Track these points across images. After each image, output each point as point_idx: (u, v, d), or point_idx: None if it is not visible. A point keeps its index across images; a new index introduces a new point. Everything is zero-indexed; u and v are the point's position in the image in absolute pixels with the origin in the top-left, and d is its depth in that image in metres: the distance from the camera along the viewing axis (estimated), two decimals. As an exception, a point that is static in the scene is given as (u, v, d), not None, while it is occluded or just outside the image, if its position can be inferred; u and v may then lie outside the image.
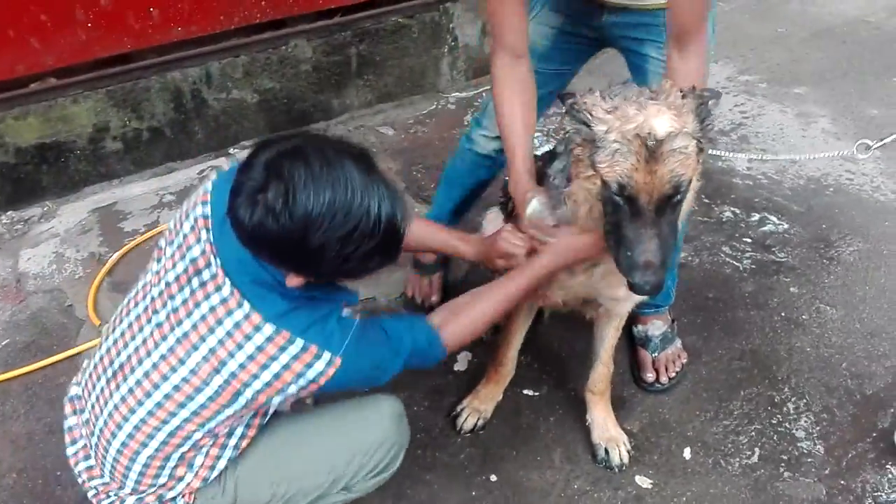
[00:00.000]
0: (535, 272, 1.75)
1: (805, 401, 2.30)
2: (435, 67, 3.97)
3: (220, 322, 1.45)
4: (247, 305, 1.44)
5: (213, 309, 1.46)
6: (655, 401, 2.32)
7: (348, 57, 3.67)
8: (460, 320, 1.72)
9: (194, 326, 1.47)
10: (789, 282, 2.74)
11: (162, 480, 1.59)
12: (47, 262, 2.85)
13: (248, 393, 1.47)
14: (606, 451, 2.14)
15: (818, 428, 2.22)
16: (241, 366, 1.45)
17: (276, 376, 1.45)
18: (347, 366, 1.49)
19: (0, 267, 2.83)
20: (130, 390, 1.52)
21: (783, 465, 2.13)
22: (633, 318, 2.41)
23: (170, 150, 3.42)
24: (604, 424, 2.17)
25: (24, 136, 3.07)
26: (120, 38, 3.09)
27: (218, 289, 1.46)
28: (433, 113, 3.85)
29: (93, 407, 1.61)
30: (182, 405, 1.49)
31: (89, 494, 1.69)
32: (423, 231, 1.95)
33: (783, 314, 2.61)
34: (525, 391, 2.33)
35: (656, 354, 2.39)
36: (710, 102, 1.56)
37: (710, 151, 2.80)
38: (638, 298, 1.92)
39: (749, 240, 2.94)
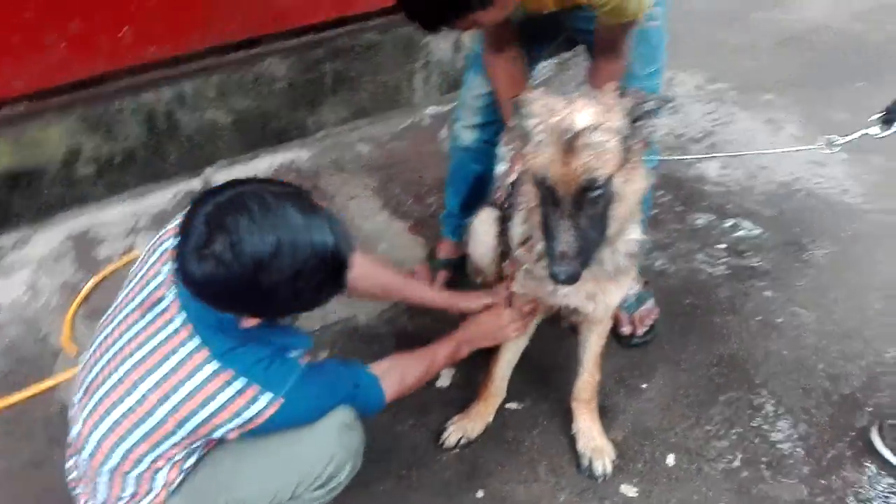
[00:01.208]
0: (454, 347, 2.01)
1: (783, 403, 2.34)
2: (409, 83, 3.99)
3: (173, 352, 1.50)
4: (197, 339, 1.49)
5: (167, 339, 1.51)
6: (638, 408, 2.34)
7: (322, 74, 3.68)
8: (393, 376, 1.84)
9: (149, 353, 1.51)
10: (764, 286, 2.79)
11: (126, 495, 1.61)
12: (21, 291, 2.81)
13: (189, 426, 1.51)
14: (590, 461, 2.15)
15: (797, 429, 2.26)
16: (183, 400, 1.49)
17: (215, 413, 1.49)
18: (288, 407, 1.54)
19: (-27, 297, 2.78)
20: (94, 408, 1.56)
21: (765, 467, 2.16)
22: None
23: (144, 172, 3.40)
24: (589, 433, 2.19)
25: (-5, 162, 3.03)
26: (91, 61, 3.08)
27: (172, 321, 1.52)
28: (409, 128, 3.86)
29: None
30: (132, 429, 1.51)
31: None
32: (386, 279, 2.14)
33: (759, 318, 2.65)
34: (509, 404, 2.34)
35: (631, 312, 2.54)
36: (649, 103, 1.59)
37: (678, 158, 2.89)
38: (613, 303, 1.97)
39: (723, 246, 2.98)
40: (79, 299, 2.75)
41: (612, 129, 1.53)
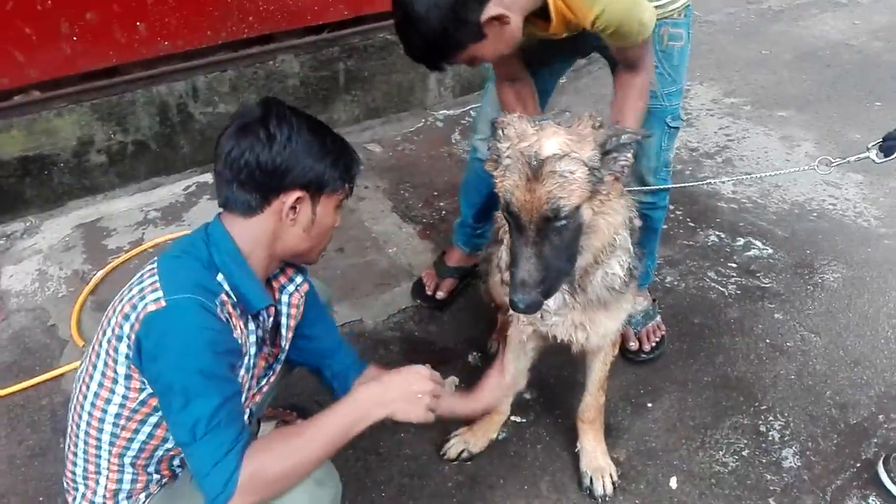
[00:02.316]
0: (356, 413, 1.51)
1: (790, 430, 2.32)
2: (423, 84, 3.97)
3: (129, 287, 1.52)
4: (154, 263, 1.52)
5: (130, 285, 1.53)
6: (642, 428, 2.33)
7: (336, 72, 3.67)
8: (272, 452, 1.43)
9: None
10: (774, 308, 2.77)
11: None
12: (30, 279, 2.81)
13: (107, 326, 1.49)
14: (591, 480, 2.13)
15: (803, 457, 2.24)
16: (120, 300, 1.51)
17: (124, 302, 1.47)
18: (165, 317, 1.40)
19: (-19, 284, 2.78)
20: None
21: (769, 494, 2.14)
22: None
23: (155, 164, 3.39)
24: (593, 453, 2.17)
25: (7, 149, 3.03)
26: (106, 52, 3.07)
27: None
28: (420, 130, 3.85)
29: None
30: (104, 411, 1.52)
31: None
32: None
33: (768, 341, 2.63)
34: (513, 417, 2.32)
35: (638, 329, 2.54)
36: (624, 136, 1.58)
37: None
38: (608, 332, 1.95)
39: (734, 265, 2.96)
40: (87, 290, 2.75)
41: (580, 159, 1.51)
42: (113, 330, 1.48)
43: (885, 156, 1.82)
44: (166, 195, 3.30)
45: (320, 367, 1.90)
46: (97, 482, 1.59)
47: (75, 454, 1.60)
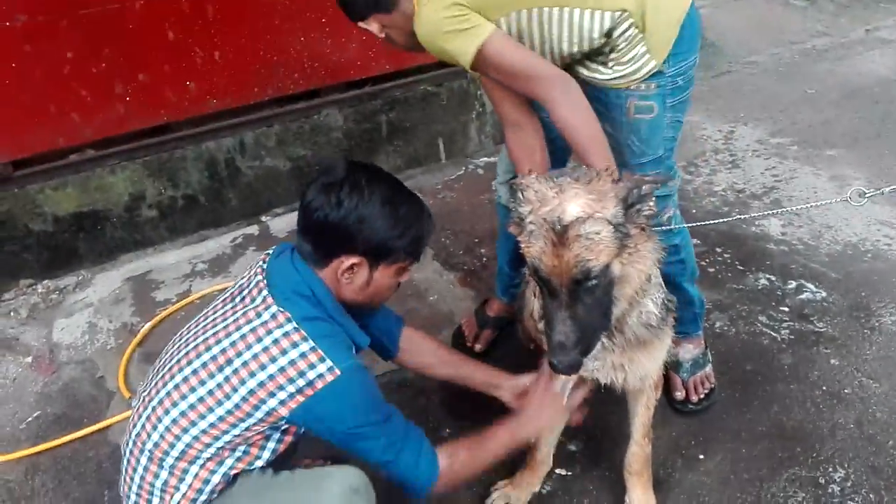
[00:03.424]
0: (510, 434, 1.90)
1: (851, 482, 2.20)
2: (463, 133, 4.02)
3: (248, 322, 1.62)
4: (275, 307, 1.62)
5: (244, 313, 1.64)
6: (694, 481, 2.24)
7: (378, 124, 3.74)
8: (461, 456, 1.79)
9: (226, 330, 1.64)
10: (829, 353, 2.66)
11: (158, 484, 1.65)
12: (80, 332, 2.88)
13: (250, 384, 1.57)
14: (643, 536, 2.06)
15: (866, 512, 2.12)
16: (254, 355, 1.58)
17: (277, 373, 1.57)
18: (340, 385, 1.58)
19: (34, 337, 2.86)
20: (174, 388, 1.64)
21: (831, 552, 2.03)
22: None
23: (204, 218, 3.48)
24: (641, 507, 2.10)
25: (63, 206, 3.15)
26: (157, 111, 3.19)
27: (253, 299, 1.66)
28: (461, 178, 3.88)
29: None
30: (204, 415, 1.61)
31: None
32: (464, 368, 2.17)
33: (824, 388, 2.52)
34: (558, 470, 2.26)
35: (686, 378, 2.46)
36: (645, 187, 1.55)
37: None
38: (648, 373, 1.92)
39: (786, 308, 2.87)
40: (135, 342, 2.80)
41: (604, 218, 1.49)
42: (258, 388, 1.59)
43: None
44: (214, 247, 3.38)
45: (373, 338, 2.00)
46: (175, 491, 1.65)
47: (159, 467, 1.64)
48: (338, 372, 1.57)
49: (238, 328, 1.62)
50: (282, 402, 1.58)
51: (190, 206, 3.43)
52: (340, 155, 3.66)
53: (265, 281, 1.68)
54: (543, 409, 1.94)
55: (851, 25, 5.56)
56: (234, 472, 1.66)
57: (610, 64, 1.98)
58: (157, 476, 1.63)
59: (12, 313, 2.98)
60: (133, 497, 1.67)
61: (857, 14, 5.74)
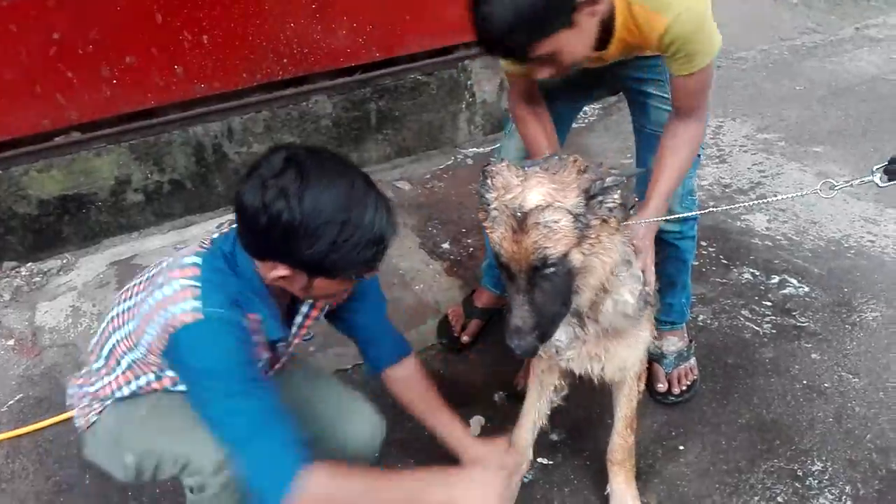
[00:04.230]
0: (434, 491, 1.57)
1: (828, 475, 2.23)
2: (453, 123, 4.01)
3: (174, 260, 1.59)
4: (195, 257, 1.54)
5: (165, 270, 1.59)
6: (674, 472, 2.26)
7: (367, 112, 3.72)
8: (348, 483, 1.48)
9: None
10: (811, 347, 2.69)
11: (95, 368, 1.74)
12: (64, 315, 2.86)
13: (144, 308, 1.55)
14: (622, 526, 2.08)
15: (842, 504, 2.15)
16: (157, 285, 1.55)
17: (160, 300, 1.50)
18: (199, 331, 1.45)
19: (17, 320, 2.84)
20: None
21: (806, 543, 2.06)
22: None
23: (190, 203, 3.46)
24: (622, 496, 2.11)
25: (47, 189, 3.12)
26: (144, 94, 3.16)
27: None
28: (450, 168, 3.87)
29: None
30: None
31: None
32: (440, 426, 1.93)
33: (805, 382, 2.55)
34: (540, 459, 2.28)
35: (669, 370, 2.49)
36: (608, 180, 1.57)
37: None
38: (627, 364, 1.94)
39: (769, 303, 2.89)
40: (118, 327, 2.78)
41: (563, 208, 1.52)
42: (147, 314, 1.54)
43: (889, 179, 1.76)
44: (199, 233, 3.35)
45: (361, 347, 1.97)
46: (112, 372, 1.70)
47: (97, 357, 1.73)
48: (200, 316, 1.45)
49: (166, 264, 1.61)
50: (154, 336, 1.52)
51: (176, 190, 3.41)
52: (330, 143, 3.65)
53: (208, 242, 1.60)
54: (483, 486, 1.58)
55: (841, 23, 5.59)
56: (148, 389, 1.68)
57: None
58: (96, 360, 1.73)
59: (-5, 296, 2.97)
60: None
61: (847, 12, 5.77)
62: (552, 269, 1.55)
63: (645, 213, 1.92)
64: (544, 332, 1.62)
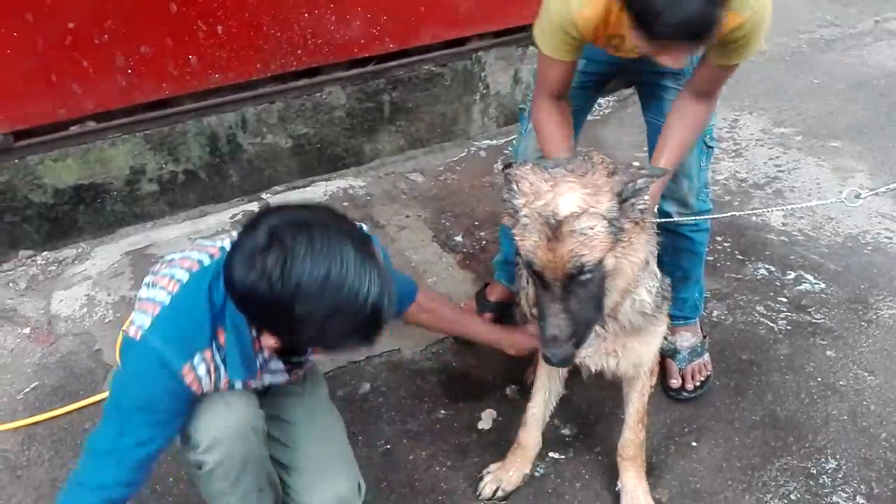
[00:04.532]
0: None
1: (842, 473, 2.22)
2: (466, 115, 3.99)
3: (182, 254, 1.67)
4: (184, 273, 1.59)
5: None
6: (687, 468, 2.25)
7: (381, 104, 3.71)
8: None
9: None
10: (826, 345, 2.67)
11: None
12: (79, 304, 2.88)
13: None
14: (634, 521, 2.07)
15: (855, 503, 2.13)
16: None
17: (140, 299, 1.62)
18: (128, 350, 1.57)
19: (33, 308, 2.86)
20: None
21: (819, 541, 2.05)
22: None
23: (204, 193, 3.47)
24: (633, 492, 2.11)
25: (63, 178, 3.13)
26: (159, 84, 3.16)
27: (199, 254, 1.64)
28: (463, 160, 3.86)
29: None
30: None
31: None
32: (444, 313, 2.14)
33: (819, 379, 2.53)
34: (551, 454, 2.28)
35: (682, 366, 2.48)
36: (639, 182, 1.54)
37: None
38: (642, 361, 1.94)
39: (784, 299, 2.87)
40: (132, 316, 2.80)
41: (598, 213, 1.49)
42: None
43: None
44: (213, 223, 3.37)
45: None
46: None
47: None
48: (137, 337, 1.52)
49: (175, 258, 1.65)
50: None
51: (190, 180, 3.42)
52: (343, 135, 3.64)
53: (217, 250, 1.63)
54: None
55: (860, 16, 5.51)
56: None
57: None
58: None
59: (11, 284, 2.98)
60: None
61: (866, 4, 5.68)
62: (588, 276, 1.52)
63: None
64: (580, 338, 1.60)
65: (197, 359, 1.52)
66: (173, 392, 1.53)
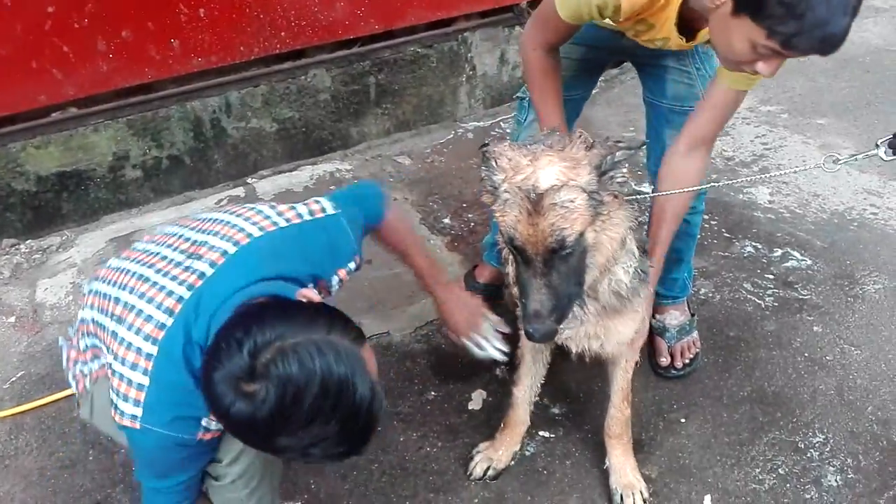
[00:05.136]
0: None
1: (830, 447, 2.24)
2: (453, 96, 3.97)
3: (143, 298, 1.53)
4: (159, 330, 1.48)
5: (156, 286, 1.54)
6: (675, 444, 2.27)
7: (367, 86, 3.68)
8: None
9: (134, 284, 1.58)
10: (813, 320, 2.68)
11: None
12: (64, 292, 2.86)
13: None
14: (622, 498, 2.08)
15: (843, 476, 2.16)
16: (113, 335, 1.54)
17: (116, 375, 1.50)
18: (138, 437, 1.49)
19: (17, 297, 2.84)
20: None
21: (807, 514, 2.07)
22: (653, 308, 2.39)
23: (189, 179, 3.44)
24: (621, 469, 2.12)
25: (45, 165, 3.10)
26: (141, 69, 3.12)
27: (168, 285, 1.53)
28: (450, 142, 3.84)
29: None
30: None
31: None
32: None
33: (806, 354, 2.55)
34: (541, 433, 2.29)
35: (671, 344, 2.49)
36: (617, 154, 1.54)
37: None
38: (623, 339, 1.93)
39: (771, 276, 2.89)
40: (119, 304, 2.78)
41: (578, 186, 1.48)
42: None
43: (894, 153, 1.75)
44: (198, 209, 3.34)
45: None
46: None
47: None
48: (137, 426, 1.46)
49: (136, 298, 1.52)
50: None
51: (175, 166, 3.38)
52: (329, 118, 3.62)
53: (196, 287, 1.49)
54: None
55: (846, -7, 5.51)
56: None
57: None
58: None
59: (-5, 273, 2.96)
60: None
61: (852, -18, 5.68)
62: (569, 251, 1.51)
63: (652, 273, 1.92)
64: (562, 314, 1.59)
65: (205, 422, 1.49)
66: (198, 449, 1.54)
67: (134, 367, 1.46)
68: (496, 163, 1.55)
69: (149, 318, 1.48)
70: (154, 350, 1.46)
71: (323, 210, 1.69)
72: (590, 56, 2.24)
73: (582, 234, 1.52)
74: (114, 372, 1.50)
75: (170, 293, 1.50)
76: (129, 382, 1.46)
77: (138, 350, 1.47)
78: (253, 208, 1.66)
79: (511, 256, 1.68)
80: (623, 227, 1.66)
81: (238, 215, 1.64)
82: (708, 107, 1.91)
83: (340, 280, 1.69)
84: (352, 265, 1.70)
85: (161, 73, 3.17)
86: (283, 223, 1.62)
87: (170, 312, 1.47)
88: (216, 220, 1.65)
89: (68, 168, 3.14)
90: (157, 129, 3.28)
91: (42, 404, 2.41)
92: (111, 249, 3.07)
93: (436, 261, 1.95)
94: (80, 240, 3.14)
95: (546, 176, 1.48)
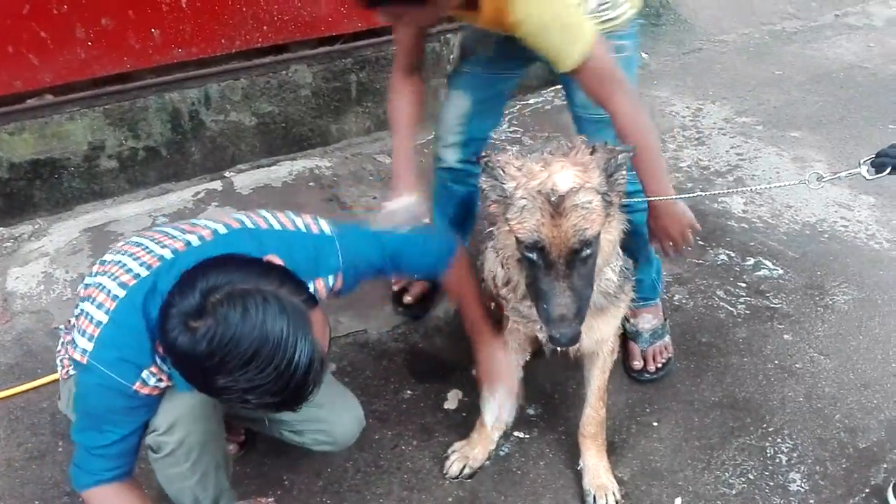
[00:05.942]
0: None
1: (798, 453, 2.28)
2: (434, 96, 3.97)
3: (118, 264, 1.62)
4: (125, 291, 1.55)
5: (133, 257, 1.62)
6: (647, 447, 2.29)
7: (348, 84, 3.68)
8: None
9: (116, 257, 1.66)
10: (783, 329, 2.73)
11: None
12: (35, 281, 2.81)
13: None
14: (594, 499, 2.10)
15: (811, 481, 2.19)
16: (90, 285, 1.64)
17: (78, 314, 1.61)
18: (80, 379, 1.58)
19: (-13, 285, 2.79)
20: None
21: (774, 518, 2.10)
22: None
23: (165, 171, 3.40)
24: (595, 470, 2.14)
25: (19, 152, 3.05)
26: (120, 58, 3.09)
27: (143, 255, 1.62)
28: (430, 142, 3.84)
29: None
30: None
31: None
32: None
33: (776, 362, 2.59)
34: (516, 433, 2.30)
35: (644, 348, 2.51)
36: (619, 157, 1.60)
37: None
38: (603, 336, 1.96)
39: (744, 284, 2.93)
40: (91, 295, 2.74)
41: (593, 188, 1.54)
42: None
43: (877, 172, 1.80)
44: (175, 201, 3.31)
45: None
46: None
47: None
48: (84, 361, 1.53)
49: (126, 257, 1.61)
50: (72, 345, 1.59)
51: (151, 157, 3.34)
52: (309, 114, 3.60)
53: (180, 251, 1.59)
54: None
55: (821, 9, 5.62)
56: None
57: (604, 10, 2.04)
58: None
59: (-36, 260, 2.90)
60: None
61: (827, -2, 5.80)
62: (588, 251, 1.56)
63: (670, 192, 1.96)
64: (582, 316, 1.61)
65: (145, 374, 1.55)
66: (134, 402, 1.58)
67: (100, 306, 1.55)
68: (503, 171, 1.59)
69: (129, 270, 1.58)
70: (122, 294, 1.54)
71: (320, 229, 1.76)
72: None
73: (598, 235, 1.57)
74: (84, 313, 1.57)
75: (153, 253, 1.61)
76: (91, 319, 1.54)
77: (108, 292, 1.55)
78: (254, 211, 1.77)
79: (520, 264, 1.68)
80: (618, 229, 1.71)
81: (237, 212, 1.74)
82: (576, 84, 1.95)
83: (317, 291, 1.70)
84: (331, 279, 1.73)
85: (140, 63, 3.14)
86: (276, 225, 1.72)
87: (147, 267, 1.58)
88: (216, 218, 1.75)
89: (42, 156, 3.10)
90: (135, 120, 3.24)
91: (10, 394, 2.37)
92: (85, 240, 3.03)
93: (485, 315, 2.03)
94: (53, 229, 3.09)
95: (563, 179, 1.53)
